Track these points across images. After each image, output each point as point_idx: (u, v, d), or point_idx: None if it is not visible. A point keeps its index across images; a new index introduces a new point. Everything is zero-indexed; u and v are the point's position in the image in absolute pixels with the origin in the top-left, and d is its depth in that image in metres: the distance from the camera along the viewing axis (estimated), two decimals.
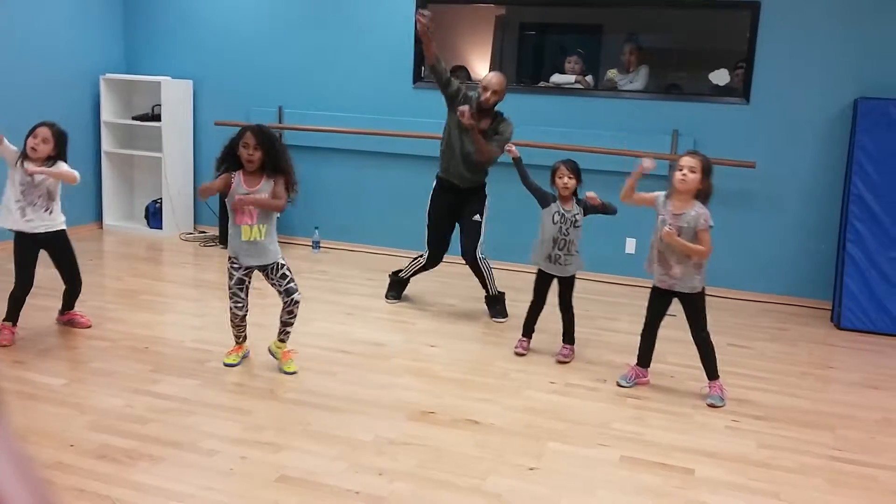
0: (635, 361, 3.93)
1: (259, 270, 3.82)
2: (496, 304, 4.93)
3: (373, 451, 3.04)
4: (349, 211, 6.55)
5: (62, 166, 4.03)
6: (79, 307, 4.39)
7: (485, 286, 4.91)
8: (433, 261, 5.04)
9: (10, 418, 0.64)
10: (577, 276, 4.22)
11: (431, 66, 4.70)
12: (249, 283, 3.85)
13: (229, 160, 3.71)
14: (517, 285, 5.30)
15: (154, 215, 6.91)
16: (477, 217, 4.82)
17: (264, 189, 3.67)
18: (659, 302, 3.83)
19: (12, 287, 4.08)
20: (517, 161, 4.27)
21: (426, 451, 3.07)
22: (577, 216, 4.07)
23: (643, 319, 3.91)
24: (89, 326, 4.30)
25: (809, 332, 5.03)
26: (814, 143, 5.44)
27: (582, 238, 4.12)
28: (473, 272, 4.90)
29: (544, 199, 4.15)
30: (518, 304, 4.70)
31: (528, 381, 3.89)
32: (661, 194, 3.73)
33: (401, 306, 5.08)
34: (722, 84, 5.68)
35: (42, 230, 4.06)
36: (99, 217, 6.97)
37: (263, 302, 4.54)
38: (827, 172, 5.42)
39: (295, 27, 6.54)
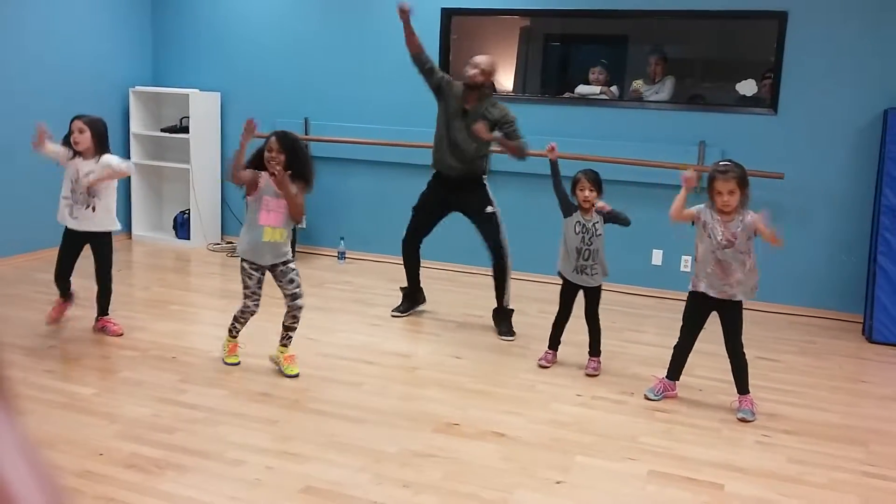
0: (663, 374, 3.89)
1: (269, 270, 3.88)
2: (504, 320, 4.76)
3: (398, 463, 3.04)
4: (374, 222, 6.57)
5: (110, 161, 4.15)
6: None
7: (499, 292, 4.74)
8: (410, 244, 4.94)
9: (22, 418, 0.64)
10: (602, 287, 4.20)
11: (416, 55, 4.69)
12: (262, 278, 3.94)
13: (256, 163, 3.81)
14: (538, 296, 5.28)
15: (182, 226, 6.98)
16: (489, 209, 4.68)
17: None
18: (700, 313, 3.77)
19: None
20: (554, 163, 4.23)
21: (451, 464, 3.06)
22: (597, 225, 4.05)
23: (678, 331, 3.86)
24: (120, 334, 4.35)
25: (840, 345, 4.95)
26: (843, 154, 5.38)
27: (605, 247, 4.10)
28: (495, 271, 4.74)
29: (568, 209, 4.13)
30: (542, 317, 4.68)
31: (555, 394, 3.86)
32: (701, 207, 3.69)
33: (425, 317, 5.07)
34: (749, 94, 5.63)
35: (85, 229, 4.18)
36: (128, 227, 7.05)
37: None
38: (857, 183, 5.35)
39: (321, 40, 6.59)
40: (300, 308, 3.89)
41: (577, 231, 4.07)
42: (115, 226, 4.28)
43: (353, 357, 4.20)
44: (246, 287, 3.90)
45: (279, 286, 3.90)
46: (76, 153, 4.14)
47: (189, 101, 6.71)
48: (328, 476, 2.91)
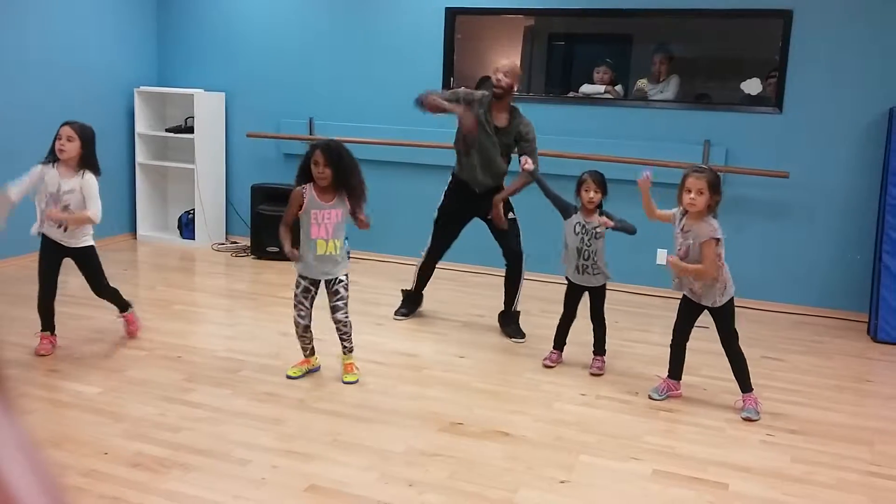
0: (667, 374, 3.89)
1: (325, 284, 3.84)
2: (512, 323, 4.73)
3: (403, 462, 3.04)
4: (379, 221, 6.51)
5: (90, 191, 3.94)
6: (112, 316, 4.44)
7: (510, 297, 4.73)
8: (433, 257, 4.91)
9: (24, 417, 0.64)
10: (607, 286, 4.19)
11: (446, 107, 4.55)
12: (316, 293, 3.85)
13: (304, 176, 3.74)
14: (542, 296, 5.27)
15: (187, 226, 6.99)
16: (511, 214, 4.65)
17: (339, 203, 3.73)
18: (688, 312, 3.79)
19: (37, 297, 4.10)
20: (533, 174, 4.24)
21: (456, 463, 3.06)
22: (597, 228, 4.04)
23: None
24: (133, 336, 4.31)
25: (845, 344, 4.94)
26: (848, 153, 5.36)
27: (606, 249, 4.08)
28: (509, 277, 4.71)
29: (566, 211, 4.13)
30: (546, 317, 4.68)
31: (559, 393, 3.86)
32: (677, 211, 3.70)
33: (430, 317, 5.07)
34: (754, 93, 5.62)
35: (62, 244, 4.02)
36: (133, 228, 7.07)
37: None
38: (862, 182, 5.33)
39: (325, 40, 6.60)
40: (341, 321, 3.85)
41: (576, 232, 4.07)
42: (90, 242, 4.08)
43: (358, 357, 4.19)
44: (294, 295, 3.86)
45: (328, 297, 3.87)
46: (55, 161, 3.94)
47: (194, 102, 6.72)
48: (333, 475, 2.91)
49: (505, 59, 4.66)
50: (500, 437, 3.33)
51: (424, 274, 5.02)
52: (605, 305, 4.20)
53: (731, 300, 3.69)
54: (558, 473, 3.02)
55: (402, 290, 5.12)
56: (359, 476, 2.91)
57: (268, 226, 6.38)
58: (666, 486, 2.97)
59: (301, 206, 3.73)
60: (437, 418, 3.48)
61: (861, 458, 3.29)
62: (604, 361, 4.19)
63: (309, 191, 3.72)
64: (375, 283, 5.84)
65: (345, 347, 3.95)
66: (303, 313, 3.84)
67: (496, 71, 4.52)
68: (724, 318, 3.70)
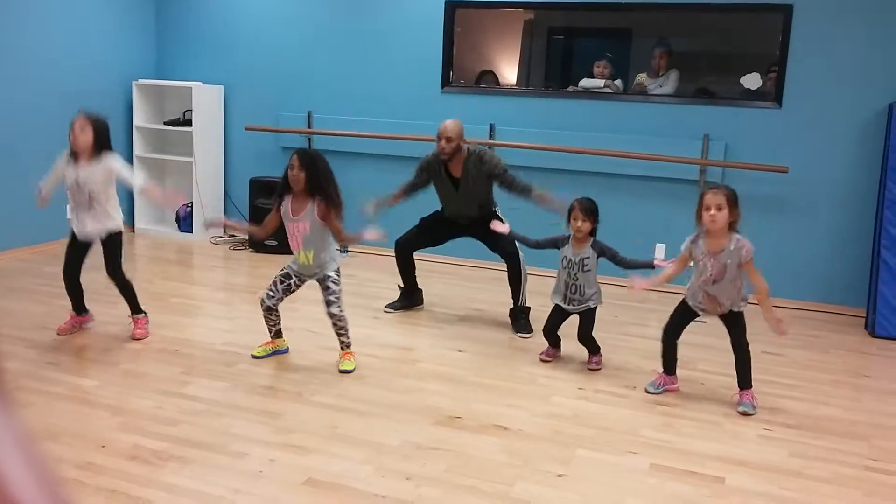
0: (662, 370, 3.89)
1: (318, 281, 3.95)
2: (520, 318, 4.74)
3: (400, 456, 3.04)
4: (377, 215, 6.56)
5: (114, 165, 4.05)
6: (110, 309, 4.44)
7: (515, 295, 4.74)
8: (399, 251, 4.96)
9: (21, 410, 0.64)
10: (607, 283, 4.19)
11: (399, 198, 4.91)
12: (296, 287, 3.95)
13: (285, 185, 3.87)
14: (541, 290, 5.26)
15: (185, 219, 6.98)
16: (506, 227, 4.66)
17: (308, 215, 3.80)
18: (687, 316, 3.78)
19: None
20: (510, 235, 4.26)
21: (454, 457, 3.06)
22: (585, 260, 4.00)
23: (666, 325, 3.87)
24: (137, 339, 4.29)
25: (843, 339, 4.95)
26: (848, 148, 5.36)
27: (595, 278, 4.05)
28: (511, 276, 4.72)
29: (555, 245, 4.12)
30: (544, 311, 4.67)
31: (556, 387, 3.86)
32: (687, 244, 3.68)
33: (427, 311, 5.07)
34: (754, 88, 5.61)
35: (91, 232, 4.09)
36: (131, 221, 7.06)
37: (293, 305, 4.57)
38: (861, 177, 5.33)
39: (324, 33, 6.58)
40: (335, 316, 3.91)
41: (564, 265, 4.06)
42: (119, 227, 4.17)
43: (355, 350, 4.20)
44: (274, 277, 3.96)
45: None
46: (73, 154, 4.02)
47: (192, 94, 6.71)
48: (330, 468, 2.91)
49: (448, 123, 4.67)
50: (497, 430, 3.33)
51: (402, 266, 5.02)
52: (604, 301, 4.19)
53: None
54: (555, 467, 3.02)
55: (399, 286, 5.11)
56: (356, 469, 2.92)
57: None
58: (663, 479, 2.98)
59: (279, 219, 3.92)
60: (435, 412, 3.48)
61: (858, 452, 3.30)
62: (601, 356, 4.18)
63: (286, 204, 3.85)
64: (373, 276, 5.84)
65: (342, 343, 3.97)
66: (271, 293, 3.95)
67: (438, 138, 4.63)
68: (740, 318, 3.70)
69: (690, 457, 3.17)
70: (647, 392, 3.82)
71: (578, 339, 4.15)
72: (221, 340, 4.31)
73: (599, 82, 5.98)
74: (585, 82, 6.03)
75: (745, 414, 3.62)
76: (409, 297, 5.08)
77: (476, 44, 6.42)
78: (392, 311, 4.99)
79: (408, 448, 3.11)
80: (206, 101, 6.85)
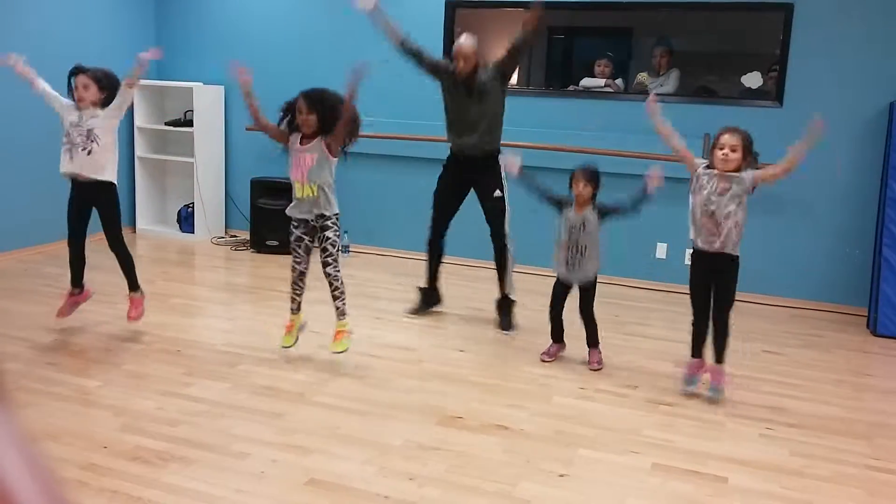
0: (666, 368, 3.89)
1: (313, 231, 3.92)
2: (506, 313, 4.72)
3: (402, 456, 3.04)
4: (378, 215, 6.57)
5: (111, 103, 4.08)
6: (110, 309, 4.44)
7: (501, 280, 4.71)
8: (431, 242, 4.87)
9: (17, 410, 0.64)
10: (608, 283, 4.18)
11: (400, 45, 4.66)
12: (311, 242, 3.97)
13: (288, 118, 3.89)
14: (541, 290, 5.26)
15: (186, 219, 6.98)
16: (497, 192, 4.63)
17: (315, 147, 3.82)
18: (704, 284, 3.70)
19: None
20: (521, 175, 4.20)
21: (455, 457, 3.06)
22: (587, 221, 4.01)
23: (682, 325, 3.86)
24: (132, 319, 4.28)
25: (844, 338, 4.94)
26: (849, 147, 5.35)
27: (599, 243, 4.05)
28: (497, 261, 4.71)
29: (559, 205, 4.11)
30: (544, 311, 4.66)
31: (558, 387, 3.86)
32: (701, 164, 3.63)
33: (429, 311, 5.05)
34: (754, 87, 5.61)
35: (84, 174, 4.03)
36: (132, 221, 7.06)
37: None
38: (862, 176, 5.33)
39: (324, 33, 6.58)
40: (328, 275, 3.90)
41: (566, 225, 4.06)
42: (113, 176, 4.12)
43: (357, 350, 4.20)
44: (290, 244, 3.98)
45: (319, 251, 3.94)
46: (78, 108, 4.03)
47: (193, 95, 6.71)
48: (333, 469, 2.91)
49: (460, 41, 4.60)
50: (499, 430, 3.33)
51: (431, 261, 4.93)
52: (605, 300, 4.18)
53: (738, 263, 3.65)
54: (557, 467, 3.02)
55: (419, 288, 5.02)
56: (358, 469, 2.92)
57: (267, 220, 6.39)
58: (665, 479, 2.98)
59: (285, 138, 3.91)
60: (436, 412, 3.48)
61: (860, 451, 3.30)
62: (600, 353, 4.17)
63: (294, 138, 3.87)
64: (373, 276, 5.84)
65: (337, 308, 3.96)
66: (298, 259, 3.97)
67: (456, 58, 4.55)
68: (730, 278, 3.65)
69: (692, 456, 3.17)
70: (685, 394, 3.75)
71: (580, 314, 4.15)
72: (223, 341, 4.31)
73: (600, 82, 5.98)
74: (586, 82, 6.03)
75: (711, 400, 3.65)
76: (429, 299, 4.99)
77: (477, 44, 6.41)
78: (413, 316, 4.88)
79: (410, 448, 3.11)
80: (207, 101, 6.85)
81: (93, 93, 4.04)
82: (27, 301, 4.88)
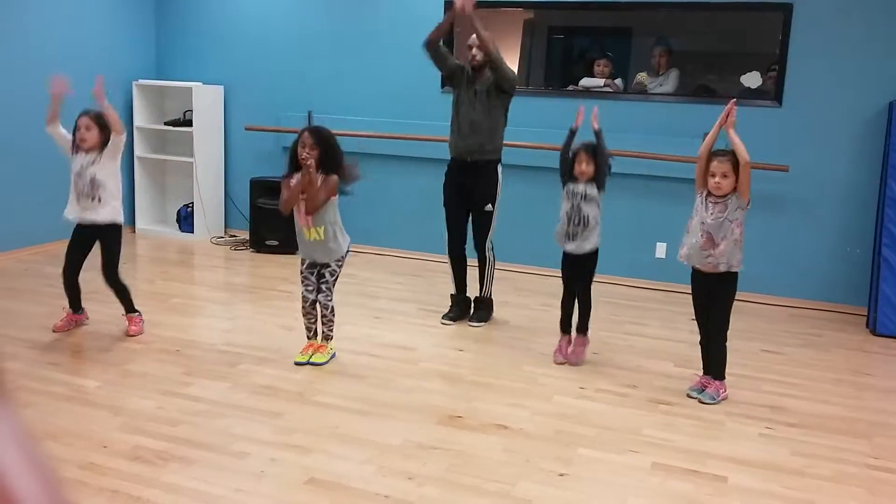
0: (666, 368, 3.89)
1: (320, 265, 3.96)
2: (482, 308, 4.82)
3: (401, 455, 3.04)
4: (377, 215, 6.57)
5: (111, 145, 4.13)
6: (109, 308, 4.44)
7: (481, 283, 4.81)
8: (450, 251, 4.90)
9: (17, 409, 0.64)
10: (608, 282, 4.18)
11: (440, 44, 4.73)
12: (319, 273, 3.96)
13: (293, 164, 3.86)
14: (541, 289, 5.27)
15: (185, 219, 6.98)
16: (489, 207, 4.70)
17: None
18: (704, 295, 3.72)
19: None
20: (573, 133, 4.20)
21: (455, 456, 3.06)
22: (588, 191, 4.04)
23: (681, 325, 3.87)
24: (131, 335, 4.30)
25: (844, 338, 4.94)
26: (848, 146, 5.36)
27: (600, 217, 4.06)
28: (479, 264, 4.81)
29: (563, 175, 4.14)
30: (544, 310, 4.68)
31: (558, 386, 3.86)
32: (703, 194, 3.69)
33: (428, 310, 5.06)
34: (754, 86, 5.61)
35: (90, 220, 4.11)
36: (131, 221, 7.06)
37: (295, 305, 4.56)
38: (862, 175, 5.33)
39: (324, 33, 6.58)
40: (324, 306, 3.95)
41: (567, 197, 4.09)
42: (119, 217, 4.22)
43: (356, 350, 4.20)
44: (300, 273, 4.00)
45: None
46: (79, 149, 4.10)
47: (192, 95, 6.71)
48: (332, 468, 2.91)
49: (470, 40, 4.66)
50: (498, 430, 3.33)
51: (456, 269, 4.95)
52: (604, 299, 4.19)
53: (736, 280, 3.66)
54: (557, 466, 3.02)
55: (451, 295, 4.99)
56: (358, 469, 2.91)
57: (267, 219, 6.38)
58: (665, 478, 2.97)
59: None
60: (436, 411, 3.48)
61: (860, 450, 3.30)
62: (586, 343, 4.15)
63: (295, 179, 3.83)
64: (373, 276, 5.84)
65: (324, 334, 4.02)
66: (309, 287, 3.96)
67: (469, 48, 4.63)
68: (727, 294, 3.66)
69: (692, 455, 3.17)
70: (701, 402, 3.71)
71: (576, 294, 4.16)
72: (222, 341, 4.31)
73: (600, 81, 5.98)
74: (586, 81, 6.03)
75: (700, 402, 3.66)
76: (464, 305, 4.96)
77: None
78: (450, 322, 4.83)
79: (409, 448, 3.11)
80: (207, 101, 6.85)
81: (94, 135, 4.09)
82: (27, 301, 4.88)
